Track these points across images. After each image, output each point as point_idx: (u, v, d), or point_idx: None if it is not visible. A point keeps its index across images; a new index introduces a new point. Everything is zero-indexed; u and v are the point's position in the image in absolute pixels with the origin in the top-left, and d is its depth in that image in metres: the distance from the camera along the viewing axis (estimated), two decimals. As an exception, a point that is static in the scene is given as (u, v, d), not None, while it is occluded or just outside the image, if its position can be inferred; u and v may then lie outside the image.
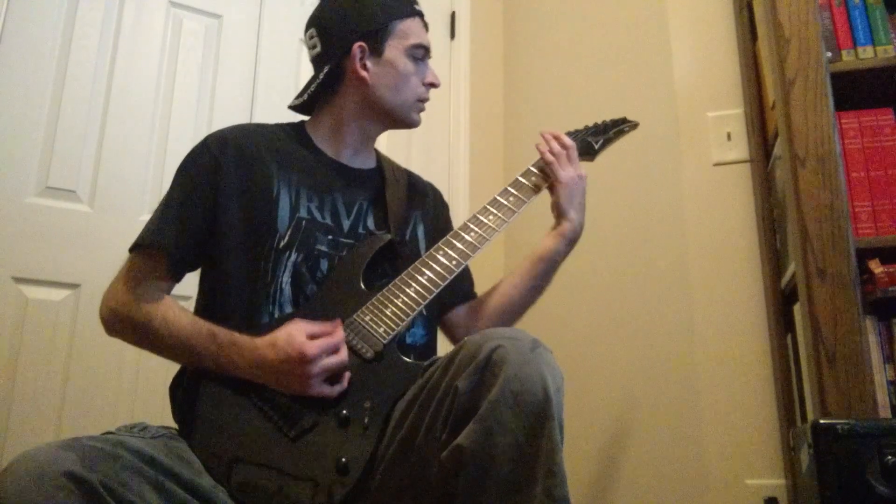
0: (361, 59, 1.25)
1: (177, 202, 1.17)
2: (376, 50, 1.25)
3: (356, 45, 1.24)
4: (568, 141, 1.31)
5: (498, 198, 1.25)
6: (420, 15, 1.31)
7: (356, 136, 1.30)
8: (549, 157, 1.30)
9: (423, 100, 1.31)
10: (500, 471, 0.85)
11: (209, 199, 1.16)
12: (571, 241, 1.29)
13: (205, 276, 1.21)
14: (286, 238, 1.16)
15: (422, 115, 1.33)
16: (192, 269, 1.20)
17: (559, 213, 1.30)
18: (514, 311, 1.33)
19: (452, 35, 2.40)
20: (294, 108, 1.33)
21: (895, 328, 1.35)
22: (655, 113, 1.89)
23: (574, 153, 1.31)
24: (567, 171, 1.29)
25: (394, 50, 1.26)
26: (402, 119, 1.31)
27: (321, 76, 1.27)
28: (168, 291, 1.16)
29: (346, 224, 1.23)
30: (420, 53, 1.28)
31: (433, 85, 1.31)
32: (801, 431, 1.28)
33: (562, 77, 2.21)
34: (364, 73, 1.25)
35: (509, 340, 0.91)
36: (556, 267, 1.31)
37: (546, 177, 1.30)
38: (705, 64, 1.88)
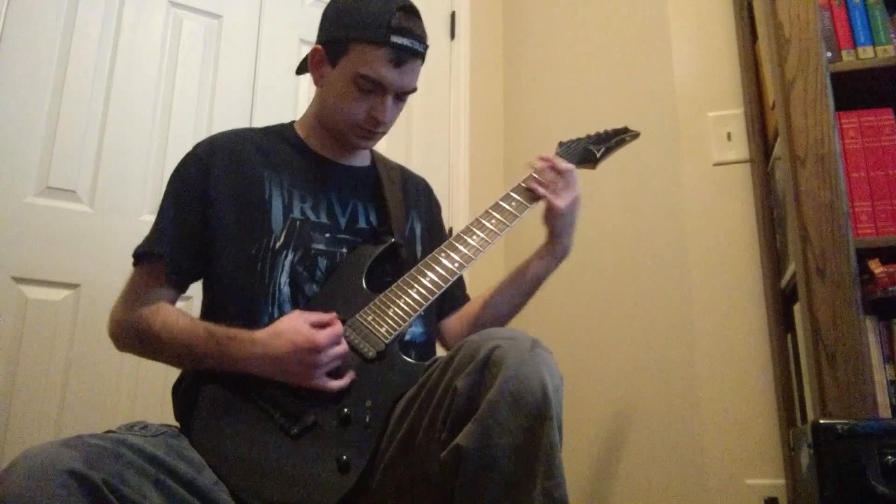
0: (318, 63, 1.23)
1: (170, 211, 1.18)
2: (331, 60, 1.21)
3: (315, 48, 1.23)
4: (564, 165, 1.27)
5: (500, 202, 1.25)
6: (394, 47, 1.16)
7: (334, 136, 1.28)
8: (542, 190, 1.25)
9: (364, 129, 1.22)
10: (499, 471, 0.85)
11: (201, 205, 1.17)
12: (561, 261, 1.31)
13: (207, 281, 1.22)
14: (281, 238, 1.16)
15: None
16: (195, 277, 1.21)
17: (554, 236, 1.29)
18: (503, 325, 1.34)
19: (452, 35, 2.40)
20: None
21: (895, 328, 1.35)
22: (655, 113, 1.89)
23: (572, 176, 1.27)
24: (565, 199, 1.25)
25: (343, 69, 1.19)
26: (341, 137, 1.26)
27: (300, 62, 1.28)
28: (172, 301, 1.17)
29: (343, 221, 1.23)
30: (367, 86, 1.18)
31: (375, 119, 1.21)
32: (801, 431, 1.28)
33: (562, 77, 2.21)
34: (316, 77, 1.25)
35: (508, 341, 0.91)
36: (542, 284, 1.32)
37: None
38: (705, 64, 1.88)
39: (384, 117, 1.21)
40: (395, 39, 1.16)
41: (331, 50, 1.21)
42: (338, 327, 1.07)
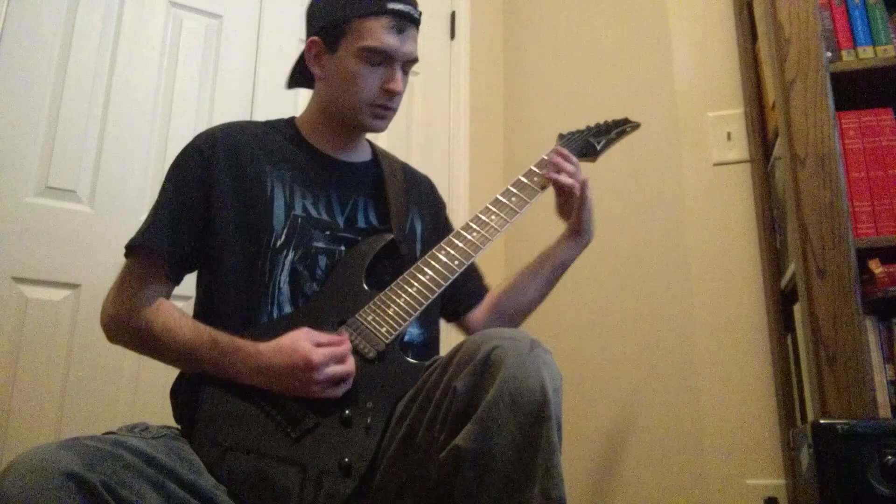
0: (317, 55, 1.23)
1: (169, 203, 1.16)
2: (331, 47, 1.21)
3: (310, 40, 1.23)
4: (574, 163, 1.29)
5: (500, 197, 1.24)
6: (392, 13, 1.18)
7: (336, 132, 1.28)
8: (571, 182, 1.25)
9: (378, 105, 1.21)
10: (498, 471, 0.85)
11: (201, 199, 1.16)
12: (585, 246, 1.34)
13: (202, 277, 1.21)
14: (282, 237, 1.16)
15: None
16: (190, 270, 1.20)
17: (580, 225, 1.30)
18: (527, 314, 1.36)
19: (452, 35, 2.39)
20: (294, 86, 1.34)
21: (895, 328, 1.35)
22: (655, 113, 1.89)
23: (578, 167, 1.29)
24: (576, 180, 1.26)
25: (345, 50, 1.19)
26: (354, 123, 1.25)
27: (294, 65, 1.28)
28: (167, 295, 1.16)
29: (342, 220, 1.22)
30: (375, 58, 1.19)
31: (390, 91, 1.20)
32: (801, 431, 1.28)
33: (562, 77, 2.21)
34: (317, 70, 1.24)
35: (507, 341, 0.91)
36: (566, 271, 1.35)
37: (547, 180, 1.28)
38: (705, 64, 1.88)
39: (398, 86, 1.20)
40: (392, 6, 1.18)
41: (328, 36, 1.21)
42: (342, 348, 1.05)
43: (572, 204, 1.28)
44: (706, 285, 1.75)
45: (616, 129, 1.39)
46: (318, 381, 1.02)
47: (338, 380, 1.03)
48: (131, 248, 1.15)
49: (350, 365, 1.04)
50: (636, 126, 1.42)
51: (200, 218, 1.16)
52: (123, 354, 1.70)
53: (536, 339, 0.93)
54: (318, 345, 1.04)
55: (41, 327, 1.68)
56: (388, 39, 1.18)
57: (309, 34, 1.25)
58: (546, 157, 1.29)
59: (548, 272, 1.33)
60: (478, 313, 1.37)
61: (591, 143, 1.36)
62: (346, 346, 1.06)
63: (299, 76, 1.31)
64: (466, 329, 1.38)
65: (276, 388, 1.04)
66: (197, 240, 1.16)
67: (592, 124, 1.41)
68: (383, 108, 1.22)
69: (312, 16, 1.25)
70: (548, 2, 2.32)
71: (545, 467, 0.85)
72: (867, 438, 1.13)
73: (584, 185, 1.27)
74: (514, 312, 1.34)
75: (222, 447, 1.01)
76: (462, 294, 1.35)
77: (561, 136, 1.38)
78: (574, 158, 1.29)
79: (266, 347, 1.05)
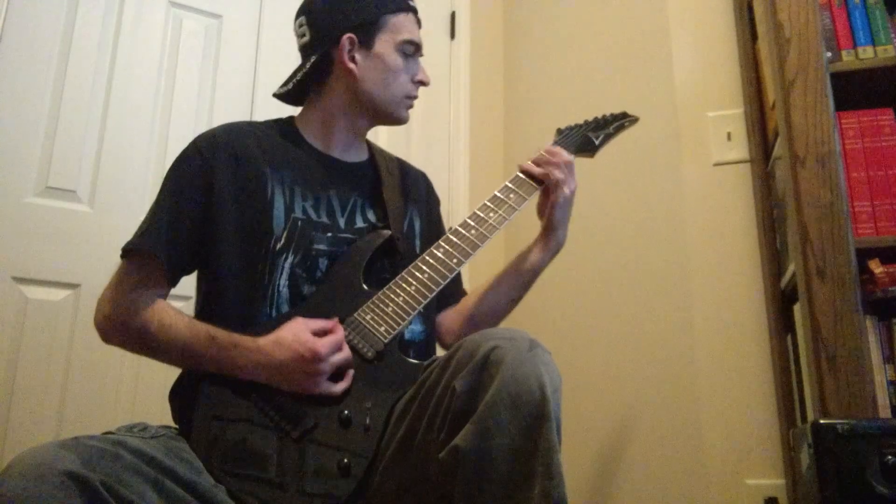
0: (350, 51, 1.24)
1: (168, 205, 1.16)
2: (366, 43, 1.24)
3: (345, 37, 1.23)
4: (567, 157, 1.28)
5: (498, 194, 1.24)
6: (413, 11, 1.29)
7: (345, 130, 1.29)
8: (559, 174, 1.26)
9: (412, 97, 1.30)
10: (498, 472, 0.85)
11: (201, 201, 1.15)
12: (556, 254, 1.30)
13: (202, 278, 1.20)
14: (282, 240, 1.15)
15: (413, 111, 1.32)
16: (187, 272, 1.19)
17: (550, 227, 1.28)
18: (499, 319, 1.34)
19: (452, 35, 2.39)
20: (280, 96, 1.32)
21: (895, 328, 1.35)
22: (655, 113, 1.88)
23: (573, 168, 1.28)
24: (570, 187, 1.26)
25: (384, 44, 1.25)
26: (389, 115, 1.29)
27: (308, 66, 1.27)
28: (164, 297, 1.16)
29: (343, 221, 1.22)
30: (411, 50, 1.27)
31: (422, 83, 1.29)
32: (801, 431, 1.27)
33: (562, 77, 2.21)
34: (352, 66, 1.24)
35: (507, 341, 0.91)
36: (537, 277, 1.31)
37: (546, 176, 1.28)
38: (705, 64, 1.88)
39: (428, 77, 1.30)
40: (411, 2, 1.30)
41: (363, 33, 1.24)
42: (339, 335, 1.06)
43: (555, 205, 1.26)
44: (706, 285, 1.75)
45: (614, 124, 1.39)
46: (325, 371, 1.03)
47: (340, 367, 1.04)
48: (128, 251, 1.14)
49: (347, 352, 1.06)
50: (634, 120, 1.41)
51: (199, 220, 1.15)
52: (123, 354, 1.69)
53: (536, 339, 0.93)
54: (315, 333, 1.05)
55: (41, 327, 1.68)
56: (418, 33, 1.29)
57: (333, 32, 1.25)
58: (543, 154, 1.29)
59: (512, 276, 1.31)
60: (449, 316, 1.35)
61: (589, 138, 1.35)
62: (341, 332, 1.07)
63: (299, 88, 1.30)
64: (436, 331, 1.35)
65: (279, 382, 1.04)
66: (195, 242, 1.15)
67: (591, 119, 1.40)
68: (413, 98, 1.30)
69: (339, 11, 1.25)
70: (548, 1, 2.32)
71: (545, 467, 0.85)
72: (867, 438, 1.12)
73: (572, 189, 1.27)
74: (481, 316, 1.32)
75: (221, 451, 1.01)
76: (439, 295, 1.33)
77: (559, 131, 1.37)
78: (566, 156, 1.28)
79: (265, 342, 1.05)
